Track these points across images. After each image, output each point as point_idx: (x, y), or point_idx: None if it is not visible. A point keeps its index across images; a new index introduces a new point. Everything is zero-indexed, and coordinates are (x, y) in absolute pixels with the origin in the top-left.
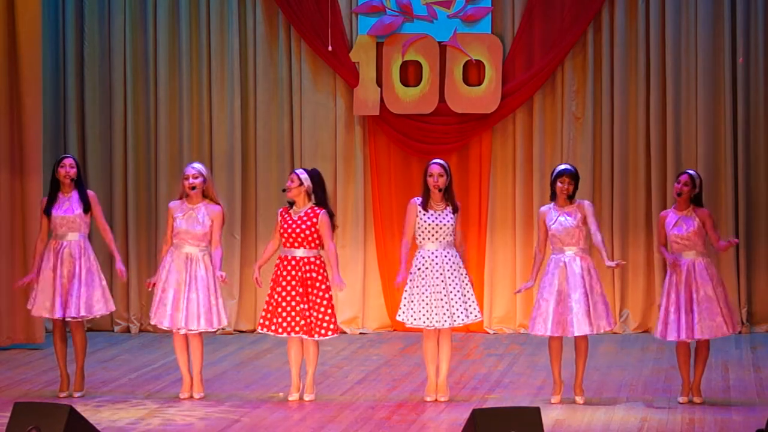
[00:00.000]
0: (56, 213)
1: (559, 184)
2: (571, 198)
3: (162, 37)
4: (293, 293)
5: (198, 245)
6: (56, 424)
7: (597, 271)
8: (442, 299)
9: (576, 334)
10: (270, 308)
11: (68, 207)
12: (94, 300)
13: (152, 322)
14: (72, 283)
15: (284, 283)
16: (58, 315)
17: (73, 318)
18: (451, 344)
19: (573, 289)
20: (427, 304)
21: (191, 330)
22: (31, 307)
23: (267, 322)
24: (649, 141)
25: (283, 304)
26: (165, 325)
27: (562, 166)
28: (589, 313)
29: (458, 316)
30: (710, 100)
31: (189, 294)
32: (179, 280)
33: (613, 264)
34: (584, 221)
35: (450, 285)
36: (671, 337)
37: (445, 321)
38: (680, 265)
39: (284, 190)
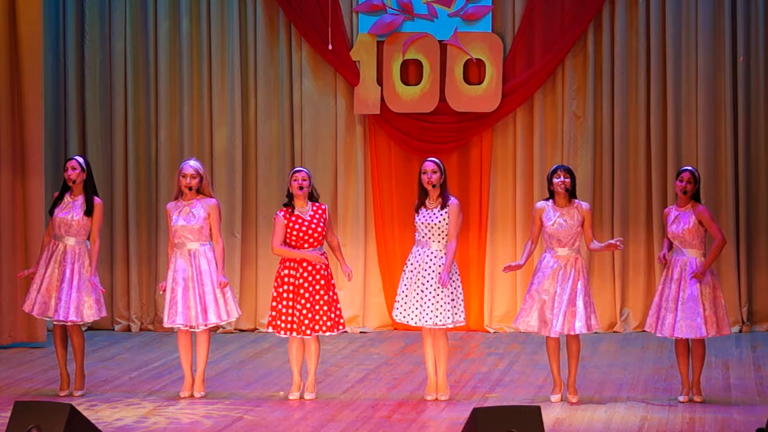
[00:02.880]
0: (59, 215)
1: (555, 180)
2: (570, 195)
3: (162, 36)
4: (301, 292)
5: (198, 239)
6: (56, 423)
7: (588, 273)
8: (414, 297)
9: (554, 332)
10: (277, 308)
11: (69, 210)
12: (86, 306)
13: (166, 325)
14: (62, 286)
15: (287, 286)
16: (36, 314)
17: (60, 322)
18: (445, 343)
19: (562, 290)
20: (407, 301)
21: (205, 325)
22: (24, 305)
23: (280, 323)
24: (650, 140)
25: (290, 303)
26: (179, 322)
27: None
28: (574, 314)
29: (425, 318)
30: (710, 99)
31: (199, 290)
32: (186, 277)
33: (615, 241)
34: (582, 223)
35: (425, 285)
36: (658, 333)
37: (417, 320)
38: (669, 261)
39: (301, 188)
